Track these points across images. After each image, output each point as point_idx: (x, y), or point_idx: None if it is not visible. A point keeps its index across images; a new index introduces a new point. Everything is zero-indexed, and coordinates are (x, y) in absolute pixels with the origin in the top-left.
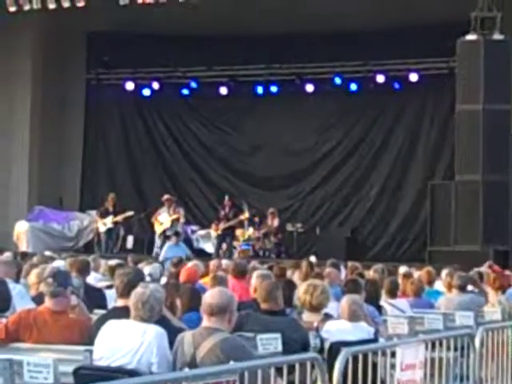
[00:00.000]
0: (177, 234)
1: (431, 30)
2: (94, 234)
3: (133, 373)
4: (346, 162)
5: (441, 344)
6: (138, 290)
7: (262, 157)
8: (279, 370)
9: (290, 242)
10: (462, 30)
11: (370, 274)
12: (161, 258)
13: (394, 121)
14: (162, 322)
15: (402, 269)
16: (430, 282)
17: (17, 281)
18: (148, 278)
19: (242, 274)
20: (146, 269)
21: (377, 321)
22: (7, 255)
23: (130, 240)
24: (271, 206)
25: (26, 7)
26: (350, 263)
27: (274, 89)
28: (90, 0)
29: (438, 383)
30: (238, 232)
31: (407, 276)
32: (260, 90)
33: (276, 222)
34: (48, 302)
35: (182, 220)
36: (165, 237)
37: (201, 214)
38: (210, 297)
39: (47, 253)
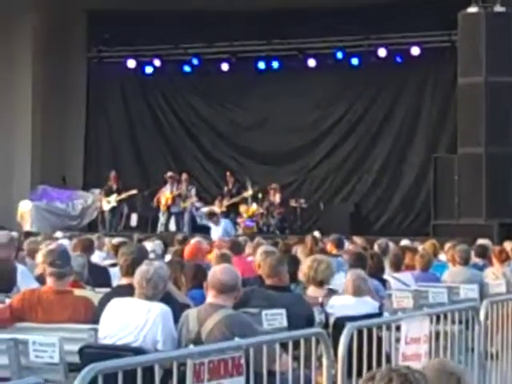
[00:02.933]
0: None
1: (433, 3)
2: (98, 213)
3: (138, 350)
4: (348, 136)
5: (445, 317)
6: (142, 267)
7: (265, 132)
8: (284, 346)
9: (293, 217)
10: (464, 2)
11: (375, 248)
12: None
13: (396, 95)
14: (166, 298)
15: (403, 242)
16: (435, 255)
17: (16, 260)
18: (152, 255)
19: (239, 250)
20: (149, 246)
21: (381, 295)
22: (12, 235)
23: (134, 218)
24: (274, 181)
25: None
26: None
27: (275, 64)
28: None
29: (442, 356)
30: (242, 208)
31: (407, 250)
32: (262, 65)
33: (278, 198)
34: (51, 283)
35: (194, 199)
36: (169, 214)
37: (204, 191)
38: (220, 273)
39: (59, 233)
